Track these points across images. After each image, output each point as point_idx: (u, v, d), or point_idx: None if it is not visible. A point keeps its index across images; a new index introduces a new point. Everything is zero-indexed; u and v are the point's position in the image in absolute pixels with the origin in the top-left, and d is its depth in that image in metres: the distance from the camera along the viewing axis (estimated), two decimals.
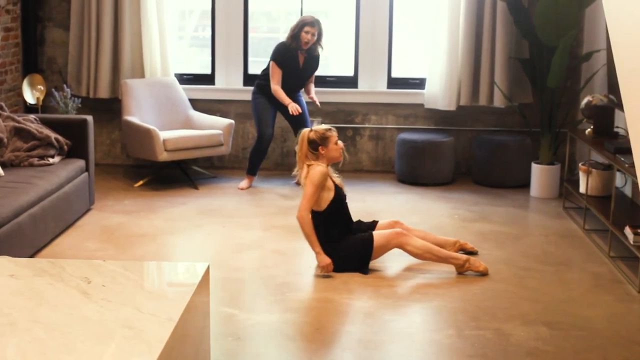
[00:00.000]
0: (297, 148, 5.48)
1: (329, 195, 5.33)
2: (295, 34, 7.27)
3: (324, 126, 5.49)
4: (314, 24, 7.25)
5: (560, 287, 5.16)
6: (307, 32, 7.23)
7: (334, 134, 5.44)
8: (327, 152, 5.39)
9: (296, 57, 7.36)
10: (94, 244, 5.84)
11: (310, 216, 5.31)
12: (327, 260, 5.24)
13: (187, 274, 2.42)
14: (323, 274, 5.25)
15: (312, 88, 7.57)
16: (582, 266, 5.55)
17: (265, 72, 7.45)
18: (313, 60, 7.45)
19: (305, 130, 5.45)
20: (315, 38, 7.28)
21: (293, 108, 7.23)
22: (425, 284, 5.18)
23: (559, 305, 4.85)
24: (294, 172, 5.57)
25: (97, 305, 2.19)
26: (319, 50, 7.41)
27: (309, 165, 5.37)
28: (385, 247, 5.35)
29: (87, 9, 7.88)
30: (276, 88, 7.31)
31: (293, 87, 7.42)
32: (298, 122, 7.47)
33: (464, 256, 5.35)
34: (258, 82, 7.51)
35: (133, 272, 2.41)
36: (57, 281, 2.36)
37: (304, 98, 7.56)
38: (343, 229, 5.40)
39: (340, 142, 5.47)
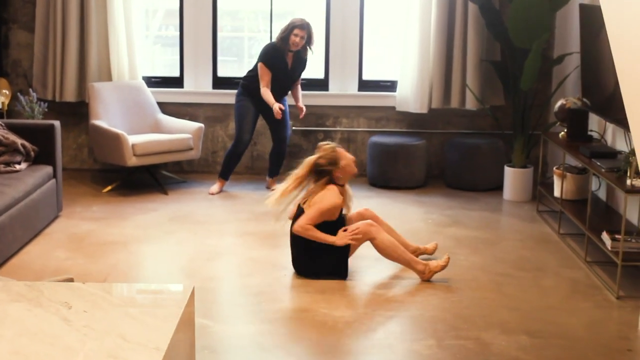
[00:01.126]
0: (298, 172, 5.32)
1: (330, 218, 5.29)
2: (285, 36, 7.17)
3: (328, 145, 5.34)
4: (303, 26, 7.15)
5: (538, 293, 5.12)
6: (296, 35, 7.14)
7: (341, 149, 5.34)
8: (343, 173, 5.31)
9: (284, 59, 7.25)
10: (63, 253, 5.71)
11: (310, 226, 5.21)
12: (342, 238, 5.21)
13: (173, 296, 2.32)
14: (353, 241, 5.24)
15: (300, 95, 7.46)
16: (559, 271, 5.52)
17: (251, 73, 7.34)
18: (301, 62, 7.36)
19: (311, 159, 5.30)
20: (304, 41, 7.19)
21: (277, 108, 7.14)
22: (402, 293, 5.11)
23: (538, 312, 4.81)
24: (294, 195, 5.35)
25: (79, 334, 2.08)
26: (309, 53, 7.33)
27: (325, 185, 5.26)
28: (359, 241, 5.29)
29: (53, 11, 7.72)
30: (265, 90, 7.21)
31: (281, 88, 7.32)
32: (278, 127, 7.39)
33: (423, 262, 5.29)
34: (242, 83, 7.39)
35: (115, 295, 2.31)
36: (35, 307, 2.24)
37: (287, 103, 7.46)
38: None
39: (349, 156, 5.38)
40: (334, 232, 5.25)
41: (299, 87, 7.48)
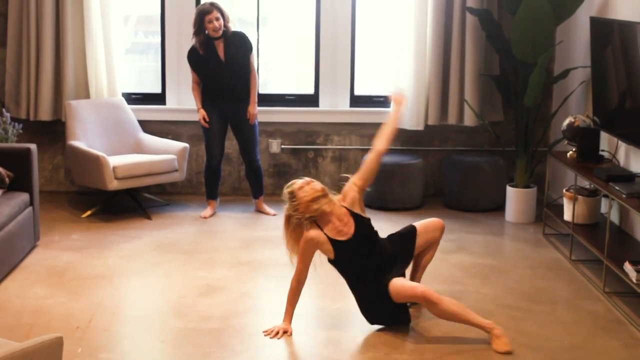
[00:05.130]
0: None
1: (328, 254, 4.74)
2: (198, 29, 6.73)
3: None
4: (210, 9, 6.68)
5: (560, 330, 4.75)
6: (210, 22, 6.67)
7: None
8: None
9: (213, 53, 6.79)
10: (43, 289, 5.26)
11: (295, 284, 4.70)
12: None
13: None
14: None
15: (254, 95, 6.92)
16: (577, 304, 5.16)
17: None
18: (235, 42, 6.83)
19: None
20: (222, 20, 6.71)
21: (200, 117, 6.89)
22: (414, 333, 4.70)
23: (564, 353, 4.44)
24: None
25: None
26: (230, 27, 6.81)
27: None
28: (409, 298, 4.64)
29: (26, 23, 7.26)
30: (192, 88, 6.98)
31: (228, 87, 6.85)
32: (242, 144, 6.99)
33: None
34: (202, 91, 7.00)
35: None
36: None
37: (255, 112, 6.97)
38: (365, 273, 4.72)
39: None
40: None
41: (254, 82, 6.93)
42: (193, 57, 6.86)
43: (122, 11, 7.61)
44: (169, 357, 4.44)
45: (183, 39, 7.35)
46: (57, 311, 4.91)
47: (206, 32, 6.73)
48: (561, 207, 6.29)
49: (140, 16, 8.11)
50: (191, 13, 7.21)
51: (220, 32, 6.71)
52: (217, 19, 6.67)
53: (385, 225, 6.74)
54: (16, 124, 6.91)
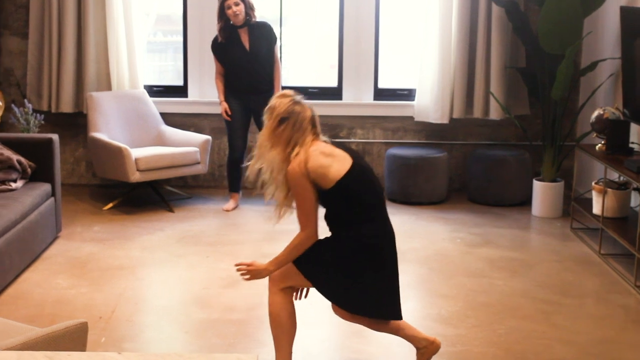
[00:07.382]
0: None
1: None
2: (220, 15, 6.71)
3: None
4: None
5: (591, 324, 4.65)
6: (229, 7, 6.64)
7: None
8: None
9: (237, 42, 6.76)
10: (65, 280, 5.21)
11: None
12: None
13: None
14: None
15: (278, 88, 6.79)
16: (608, 297, 5.06)
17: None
18: (259, 31, 6.80)
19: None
20: (242, 6, 6.66)
21: (222, 110, 6.85)
22: (442, 324, 4.62)
23: (596, 346, 4.34)
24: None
25: None
26: (254, 17, 6.78)
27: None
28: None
29: (48, 15, 7.22)
30: (215, 79, 6.94)
31: (252, 77, 6.80)
32: None
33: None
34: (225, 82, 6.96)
35: None
36: None
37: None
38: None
39: None
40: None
41: (278, 74, 6.89)
42: (216, 44, 6.81)
43: (143, 5, 7.55)
44: (193, 347, 4.37)
45: (205, 35, 7.28)
46: (79, 301, 4.86)
47: (230, 20, 6.69)
48: (589, 201, 6.19)
49: (160, 15, 8.06)
50: (213, 7, 7.15)
51: (241, 18, 6.67)
52: (237, 4, 6.62)
53: (409, 219, 6.69)
54: (37, 114, 6.87)
